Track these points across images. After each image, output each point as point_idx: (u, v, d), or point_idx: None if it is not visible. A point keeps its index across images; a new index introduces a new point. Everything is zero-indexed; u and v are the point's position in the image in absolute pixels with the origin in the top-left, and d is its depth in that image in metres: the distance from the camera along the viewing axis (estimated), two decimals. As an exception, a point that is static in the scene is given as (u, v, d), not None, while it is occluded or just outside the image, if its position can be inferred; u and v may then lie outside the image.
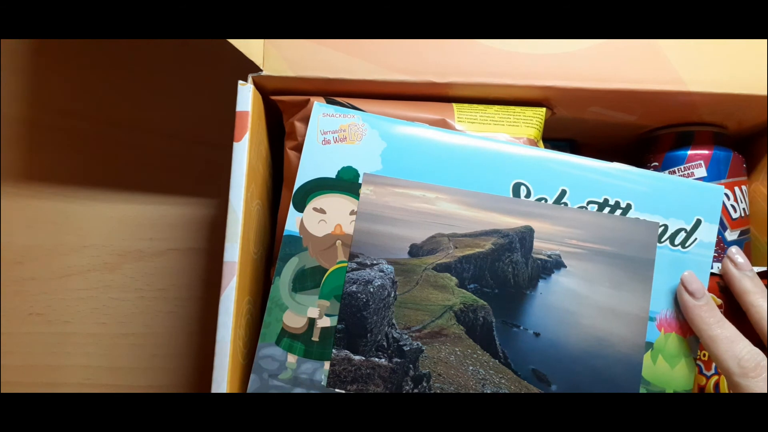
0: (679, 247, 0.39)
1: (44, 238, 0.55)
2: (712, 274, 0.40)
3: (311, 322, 0.39)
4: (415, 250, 0.40)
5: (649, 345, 0.39)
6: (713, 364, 0.45)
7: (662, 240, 0.39)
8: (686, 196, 0.39)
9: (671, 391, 0.39)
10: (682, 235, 0.39)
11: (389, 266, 0.40)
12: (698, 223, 0.39)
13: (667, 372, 0.39)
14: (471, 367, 0.39)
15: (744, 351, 0.36)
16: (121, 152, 0.55)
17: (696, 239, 0.39)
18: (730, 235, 0.46)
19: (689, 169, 0.47)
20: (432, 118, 0.42)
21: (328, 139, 0.40)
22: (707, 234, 0.39)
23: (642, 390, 0.39)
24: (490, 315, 0.40)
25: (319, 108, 0.40)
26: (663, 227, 0.39)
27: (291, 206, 0.40)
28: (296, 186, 0.40)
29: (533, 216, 0.40)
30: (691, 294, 0.38)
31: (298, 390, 0.39)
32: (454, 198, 0.40)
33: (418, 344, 0.39)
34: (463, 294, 0.40)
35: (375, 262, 0.40)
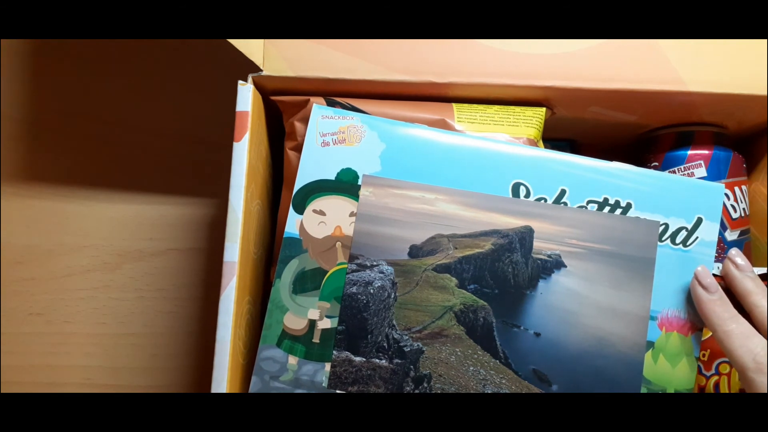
0: (681, 245, 0.39)
1: (44, 238, 0.55)
2: (714, 274, 0.40)
3: (312, 323, 0.39)
4: (415, 251, 0.40)
5: (650, 344, 0.39)
6: (713, 364, 0.45)
7: (663, 239, 0.39)
8: (686, 195, 0.39)
9: (672, 391, 0.39)
10: (683, 233, 0.39)
11: (389, 267, 0.40)
12: (699, 221, 0.39)
13: (668, 371, 0.39)
14: (472, 368, 0.39)
15: (759, 347, 0.35)
16: (121, 152, 0.55)
17: (697, 238, 0.39)
18: (730, 235, 0.46)
19: (689, 169, 0.47)
20: (432, 118, 0.42)
21: (327, 141, 0.40)
22: (708, 232, 0.39)
23: (643, 389, 0.39)
24: (490, 315, 0.40)
25: (318, 110, 0.40)
26: (663, 226, 0.39)
27: (291, 208, 0.40)
28: (296, 188, 0.40)
29: (533, 216, 0.40)
30: (705, 288, 0.38)
31: (299, 392, 0.39)
32: (454, 198, 0.40)
33: (418, 345, 0.39)
34: (463, 294, 0.40)
35: (375, 263, 0.40)
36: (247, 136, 0.41)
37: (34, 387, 0.54)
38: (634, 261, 0.39)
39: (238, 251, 0.39)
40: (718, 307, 0.37)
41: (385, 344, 0.39)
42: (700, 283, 0.38)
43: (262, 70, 0.41)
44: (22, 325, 0.54)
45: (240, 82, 0.41)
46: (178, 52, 0.55)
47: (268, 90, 0.43)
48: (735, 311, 0.37)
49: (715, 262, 0.40)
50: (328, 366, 0.39)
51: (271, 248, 0.47)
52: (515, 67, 0.42)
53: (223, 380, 0.38)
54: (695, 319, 0.39)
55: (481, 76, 0.42)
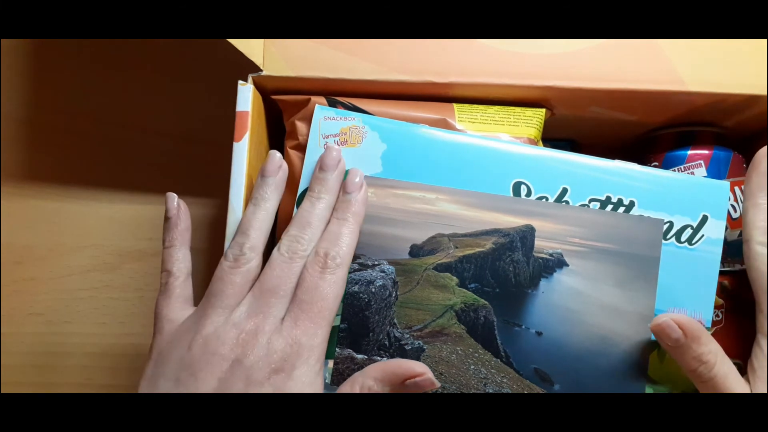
0: (686, 244, 0.39)
1: (44, 238, 0.54)
2: (721, 272, 0.40)
3: (315, 321, 0.39)
4: (416, 251, 0.40)
5: (656, 344, 0.39)
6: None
7: (668, 237, 0.39)
8: (691, 193, 0.39)
9: (679, 391, 0.39)
10: (689, 231, 0.39)
11: (390, 267, 0.40)
12: (705, 219, 0.39)
13: (675, 371, 0.38)
14: (473, 367, 0.39)
15: None
16: (121, 152, 0.55)
17: (703, 236, 0.39)
18: (730, 235, 0.46)
19: (689, 169, 0.47)
20: (433, 117, 0.42)
21: (330, 143, 0.40)
22: (714, 230, 0.39)
23: (648, 390, 0.39)
24: (491, 314, 0.40)
25: (320, 111, 0.41)
26: (668, 224, 0.39)
27: (295, 210, 0.40)
28: (299, 190, 0.40)
29: (534, 215, 0.40)
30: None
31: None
32: (454, 198, 0.40)
33: (419, 343, 0.39)
34: (464, 293, 0.40)
35: (376, 262, 0.40)
36: (247, 136, 0.41)
37: (34, 387, 0.54)
38: (638, 259, 0.39)
39: (238, 251, 0.39)
40: (762, 179, 0.39)
41: (386, 342, 0.39)
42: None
43: (262, 70, 0.41)
44: (22, 325, 0.54)
45: (240, 82, 0.41)
46: (178, 52, 0.55)
47: (268, 90, 0.44)
48: None
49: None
50: (331, 363, 0.39)
51: (271, 248, 0.47)
52: (515, 67, 0.42)
53: (223, 380, 0.38)
54: (702, 318, 0.39)
55: (481, 76, 0.42)
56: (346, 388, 0.36)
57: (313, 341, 0.35)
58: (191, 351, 0.35)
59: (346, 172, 0.39)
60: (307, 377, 0.35)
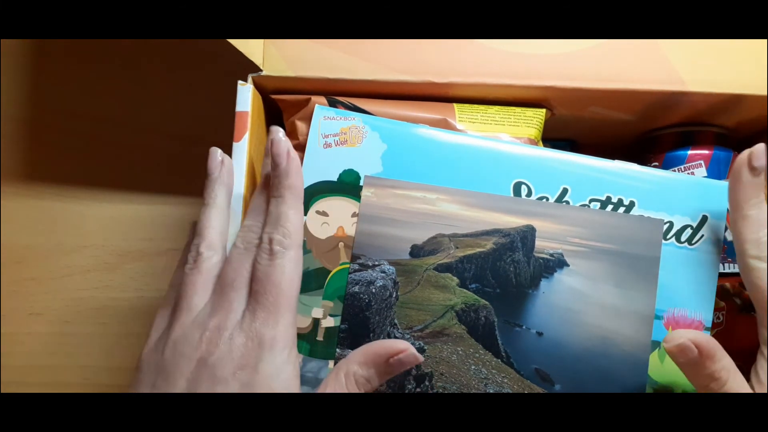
0: (686, 244, 0.39)
1: (44, 238, 0.54)
2: (721, 273, 0.40)
3: (316, 322, 0.39)
4: (416, 251, 0.40)
5: (657, 344, 0.39)
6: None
7: (668, 237, 0.39)
8: (691, 193, 0.39)
9: (680, 391, 0.39)
10: (688, 231, 0.39)
11: (391, 267, 0.40)
12: (704, 219, 0.39)
13: (675, 371, 0.38)
14: (473, 367, 0.39)
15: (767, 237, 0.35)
16: (121, 152, 0.55)
17: (703, 236, 0.39)
18: (730, 235, 0.46)
19: (689, 170, 0.47)
20: (434, 117, 0.42)
21: (330, 143, 0.40)
22: (714, 231, 0.39)
23: (649, 390, 0.39)
24: (491, 314, 0.40)
25: (320, 111, 0.41)
26: (668, 224, 0.39)
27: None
28: (300, 189, 0.40)
29: (535, 215, 0.40)
30: (752, 170, 0.36)
31: (303, 388, 0.39)
32: (455, 198, 0.40)
33: (420, 344, 0.39)
34: (465, 294, 0.40)
35: (377, 263, 0.40)
36: (246, 136, 0.41)
37: (34, 387, 0.54)
38: (638, 259, 0.39)
39: (238, 251, 0.39)
40: (750, 190, 0.36)
41: (387, 343, 0.39)
42: (750, 163, 0.36)
43: (262, 70, 0.41)
44: (22, 325, 0.54)
45: (240, 82, 0.41)
46: (178, 52, 0.55)
47: (268, 90, 0.44)
48: (764, 198, 0.36)
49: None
50: (331, 363, 0.39)
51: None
52: (515, 67, 0.42)
53: (224, 380, 0.38)
54: (702, 318, 0.39)
55: (481, 76, 0.42)
56: (331, 377, 0.35)
57: (274, 331, 0.34)
58: (164, 355, 0.35)
59: (271, 143, 0.38)
60: (272, 367, 0.34)
